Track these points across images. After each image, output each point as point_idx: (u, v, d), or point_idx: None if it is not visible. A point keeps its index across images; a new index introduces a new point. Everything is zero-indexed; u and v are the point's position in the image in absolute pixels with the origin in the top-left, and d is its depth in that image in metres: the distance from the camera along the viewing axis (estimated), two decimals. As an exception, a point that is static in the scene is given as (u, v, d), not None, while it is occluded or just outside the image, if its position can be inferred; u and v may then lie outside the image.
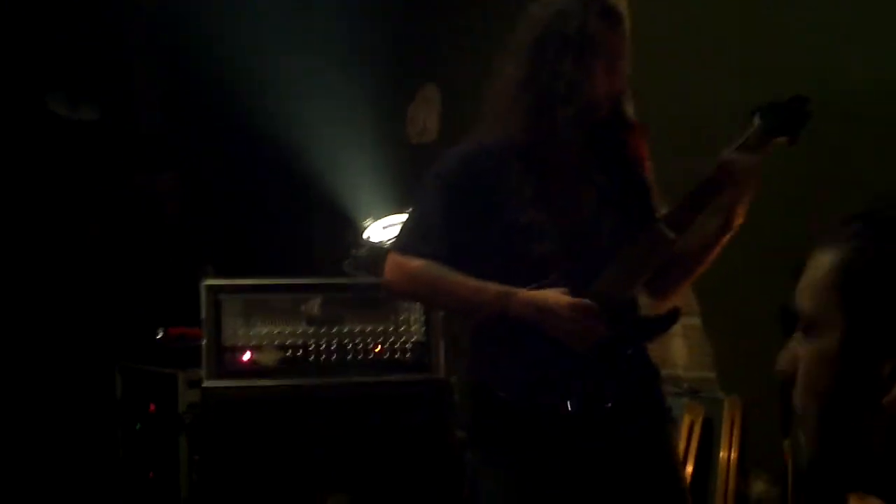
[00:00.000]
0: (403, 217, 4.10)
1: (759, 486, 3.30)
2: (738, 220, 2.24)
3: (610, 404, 2.21)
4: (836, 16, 3.26)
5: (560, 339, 2.16)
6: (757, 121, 2.22)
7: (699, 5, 3.76)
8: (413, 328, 3.41)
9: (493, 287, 2.20)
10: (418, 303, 3.17)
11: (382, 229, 4.14)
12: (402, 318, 3.42)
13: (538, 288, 2.19)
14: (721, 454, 3.31)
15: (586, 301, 2.16)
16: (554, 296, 2.17)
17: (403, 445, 3.20)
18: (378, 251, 4.02)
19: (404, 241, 2.35)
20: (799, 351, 1.07)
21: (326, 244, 4.46)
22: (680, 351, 3.74)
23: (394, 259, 2.34)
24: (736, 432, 3.36)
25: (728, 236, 2.27)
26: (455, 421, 3.26)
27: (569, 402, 2.18)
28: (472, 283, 2.22)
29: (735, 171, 2.18)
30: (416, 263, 2.27)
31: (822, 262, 1.04)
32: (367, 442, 3.18)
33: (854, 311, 0.99)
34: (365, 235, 4.12)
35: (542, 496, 2.22)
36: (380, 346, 3.36)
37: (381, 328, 3.40)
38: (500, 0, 4.96)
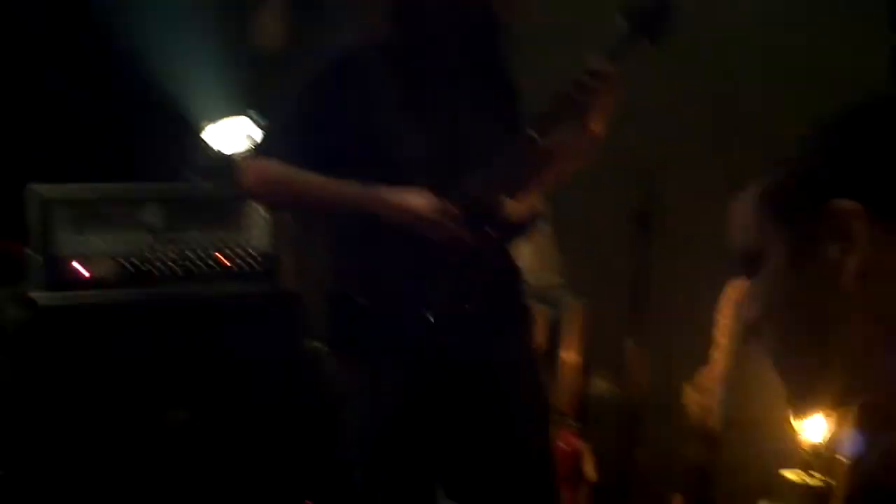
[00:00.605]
0: (245, 122, 4.01)
1: (600, 386, 3.38)
2: (599, 130, 2.24)
3: (471, 308, 2.21)
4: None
5: (423, 237, 2.13)
6: (621, 21, 2.19)
7: None
8: (259, 237, 3.30)
9: (356, 186, 2.16)
10: (276, 209, 3.07)
11: (224, 134, 4.00)
12: (247, 226, 3.30)
13: (403, 189, 2.15)
14: (565, 356, 3.37)
15: (449, 204, 2.13)
16: (417, 196, 2.13)
17: (250, 359, 3.12)
18: (220, 157, 3.89)
19: (265, 145, 2.28)
20: (752, 290, 1.08)
21: (166, 149, 4.26)
22: (528, 256, 3.77)
23: (254, 163, 2.27)
24: (580, 335, 3.43)
25: (588, 145, 2.27)
26: (306, 333, 3.20)
27: (429, 314, 2.16)
28: (335, 183, 2.18)
29: (599, 76, 2.17)
30: (277, 168, 2.21)
31: (744, 204, 1.08)
32: (211, 356, 3.08)
33: (789, 220, 1.02)
34: (206, 140, 3.97)
35: (403, 405, 2.21)
36: (224, 257, 3.24)
37: (224, 237, 3.28)
38: None
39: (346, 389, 2.36)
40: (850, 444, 2.71)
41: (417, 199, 2.15)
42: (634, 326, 3.13)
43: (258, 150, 2.32)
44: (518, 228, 2.32)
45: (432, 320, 2.19)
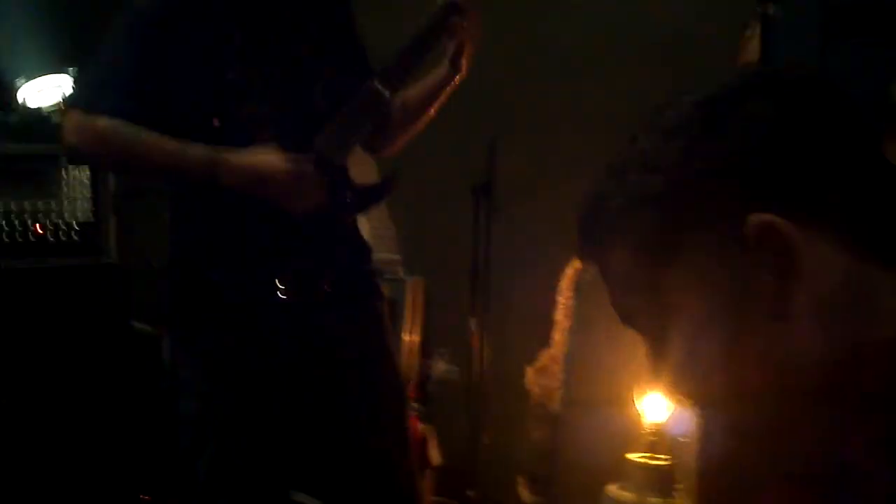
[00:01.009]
0: (65, 79, 3.71)
1: (440, 367, 3.33)
2: (464, 69, 2.16)
3: (327, 286, 2.09)
4: None
5: (275, 205, 1.99)
6: None
7: None
8: (79, 205, 3.06)
9: (199, 149, 1.98)
10: (105, 168, 2.83)
11: (38, 92, 3.69)
12: (65, 193, 3.06)
13: (251, 150, 2.00)
14: (404, 336, 3.31)
15: (303, 162, 2.00)
16: (267, 157, 1.99)
17: (72, 339, 2.89)
18: (33, 116, 3.59)
19: (88, 96, 2.05)
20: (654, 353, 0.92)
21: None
22: (364, 232, 3.67)
23: (76, 117, 2.04)
24: (419, 313, 3.37)
25: (451, 87, 2.19)
26: (132, 311, 2.99)
27: (279, 290, 2.02)
28: (174, 144, 1.99)
29: (459, 9, 2.08)
30: (104, 122, 2.00)
31: (607, 252, 0.91)
32: (28, 336, 2.84)
33: (688, 260, 0.85)
34: (18, 98, 3.66)
35: (250, 390, 2.07)
36: (40, 227, 2.99)
37: (40, 205, 3.03)
38: None
39: (186, 374, 2.19)
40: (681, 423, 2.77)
41: (268, 159, 1.99)
42: (475, 305, 3.09)
43: (81, 102, 2.08)
44: (375, 192, 2.21)
45: (283, 297, 2.06)
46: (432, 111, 2.26)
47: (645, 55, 3.18)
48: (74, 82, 3.55)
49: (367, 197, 2.20)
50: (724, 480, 0.92)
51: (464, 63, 2.15)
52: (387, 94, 2.10)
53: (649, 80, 3.14)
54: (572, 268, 3.20)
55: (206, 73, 2.03)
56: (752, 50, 2.99)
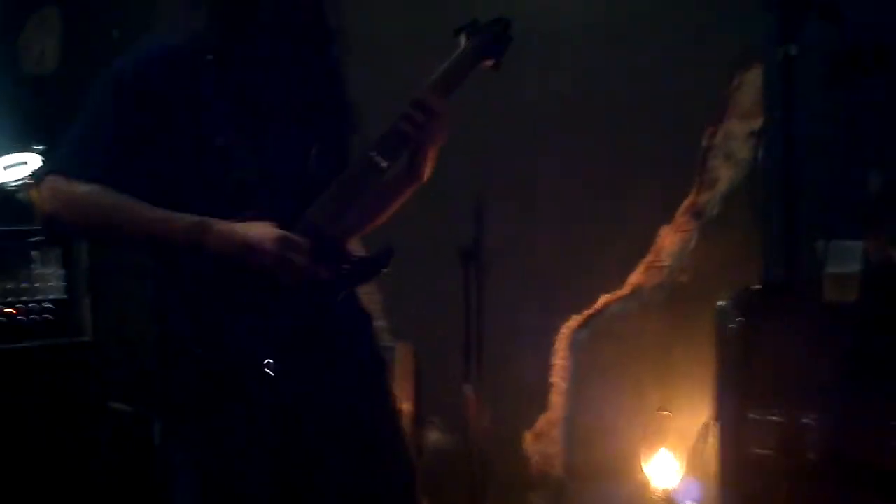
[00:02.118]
0: (30, 155, 3.61)
1: (434, 435, 3.22)
2: (426, 172, 2.08)
3: (324, 362, 1.97)
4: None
5: (265, 276, 1.88)
6: (464, 41, 2.08)
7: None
8: (51, 283, 2.95)
9: (185, 217, 1.87)
10: (83, 236, 2.71)
11: (3, 169, 3.59)
12: (36, 272, 2.94)
13: (240, 220, 1.89)
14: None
15: (294, 235, 1.89)
16: (258, 228, 1.88)
17: (48, 422, 2.75)
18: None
19: (67, 162, 1.93)
20: None
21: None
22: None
23: (54, 184, 1.92)
24: (409, 381, 3.26)
25: (414, 187, 2.11)
26: (110, 390, 2.86)
27: (272, 363, 1.90)
28: (159, 212, 1.88)
29: (430, 110, 2.01)
30: (84, 188, 1.88)
31: None
32: (6, 419, 2.70)
33: None
34: (-13, 177, 3.54)
35: (245, 472, 1.94)
36: (12, 308, 2.86)
37: (10, 286, 2.91)
38: None
39: (176, 458, 2.06)
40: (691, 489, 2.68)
41: (259, 231, 1.89)
42: (469, 371, 2.99)
43: (59, 168, 1.96)
44: (373, 263, 2.10)
45: (272, 374, 1.94)
46: (392, 208, 2.18)
47: (626, 112, 3.14)
48: (43, 158, 3.45)
49: (366, 268, 2.09)
50: None
51: (425, 167, 2.08)
52: (383, 164, 2.01)
53: (632, 137, 3.10)
54: (567, 328, 3.11)
55: (191, 138, 1.93)
56: (742, 100, 2.96)
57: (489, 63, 2.11)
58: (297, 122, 2.05)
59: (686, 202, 3.04)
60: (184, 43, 1.95)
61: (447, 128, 2.07)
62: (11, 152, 3.60)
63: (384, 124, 2.03)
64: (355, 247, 2.31)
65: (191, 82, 1.92)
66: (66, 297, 2.97)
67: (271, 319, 1.95)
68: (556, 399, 3.01)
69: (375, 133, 2.03)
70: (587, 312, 3.13)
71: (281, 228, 1.90)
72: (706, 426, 2.70)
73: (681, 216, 3.04)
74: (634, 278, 3.09)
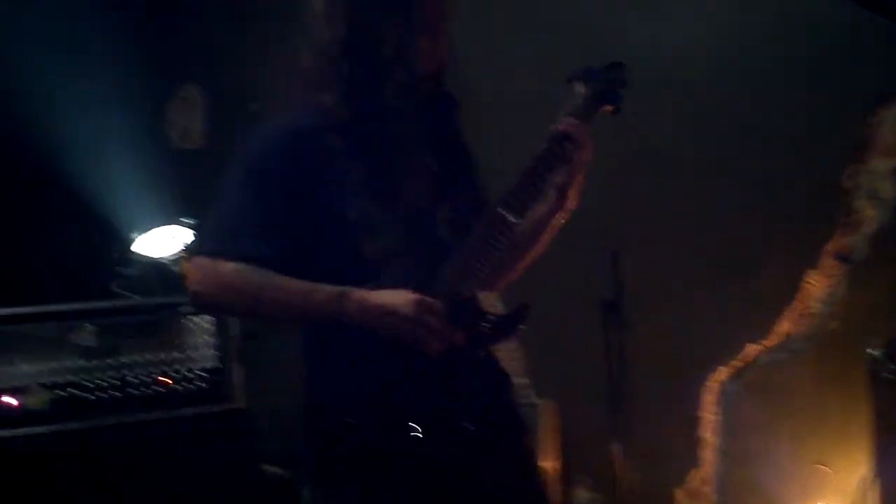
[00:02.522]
0: (178, 228, 3.76)
1: (582, 495, 3.17)
2: (574, 199, 2.07)
3: (466, 425, 1.97)
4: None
5: (406, 344, 1.90)
6: (580, 88, 2.06)
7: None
8: (203, 352, 3.04)
9: (325, 288, 1.91)
10: (228, 314, 2.80)
11: (153, 243, 3.75)
12: (189, 341, 3.04)
13: (376, 288, 1.92)
14: (542, 463, 3.16)
15: (429, 298, 1.91)
16: (395, 294, 1.90)
17: (203, 489, 2.82)
18: (151, 267, 3.63)
19: (211, 242, 2.00)
20: None
21: (90, 263, 4.00)
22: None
23: (200, 264, 1.99)
24: (555, 439, 3.23)
25: (562, 218, 2.10)
26: (262, 456, 2.93)
27: (418, 427, 1.92)
28: (300, 284, 1.93)
29: (571, 138, 2.00)
30: (228, 267, 1.94)
31: None
32: (160, 490, 2.78)
33: None
34: (134, 250, 3.71)
35: None
36: (166, 377, 2.97)
37: (165, 356, 3.02)
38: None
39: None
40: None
41: (395, 297, 1.92)
42: (616, 427, 2.94)
43: (204, 249, 2.04)
44: (511, 321, 2.10)
45: (421, 436, 1.95)
46: (543, 243, 2.17)
47: (766, 155, 3.07)
48: (193, 231, 3.59)
49: (503, 327, 2.08)
50: None
51: (572, 193, 2.07)
52: (511, 219, 2.01)
53: (773, 180, 3.04)
54: (715, 380, 3.04)
55: (326, 212, 1.98)
56: (884, 136, 2.87)
57: (608, 109, 2.10)
58: (426, 188, 2.08)
59: (831, 245, 2.94)
60: (313, 120, 2.01)
61: (591, 153, 2.06)
62: (161, 226, 3.78)
63: (510, 181, 2.04)
64: (494, 304, 2.32)
65: (322, 158, 1.97)
66: (219, 365, 3.05)
67: (416, 384, 1.97)
68: (707, 454, 2.93)
69: (501, 190, 2.05)
70: (735, 364, 3.06)
71: (416, 292, 1.93)
72: (865, 481, 2.59)
73: (826, 260, 2.95)
74: (783, 326, 3.00)
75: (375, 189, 1.99)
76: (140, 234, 3.78)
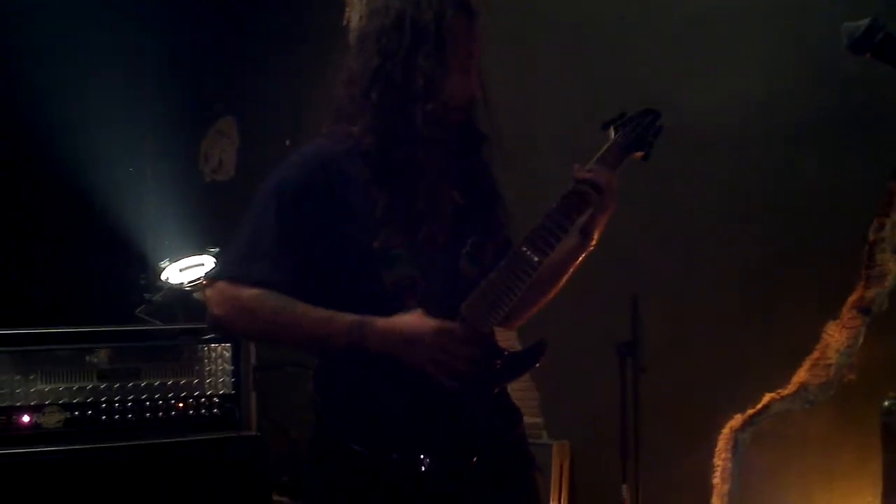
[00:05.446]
0: (205, 257, 3.81)
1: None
2: (596, 237, 2.09)
3: (475, 459, 1.98)
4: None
5: (421, 372, 1.90)
6: (613, 134, 2.09)
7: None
8: (220, 380, 3.08)
9: (345, 316, 1.92)
10: (250, 338, 2.83)
11: (180, 271, 3.80)
12: (206, 368, 3.08)
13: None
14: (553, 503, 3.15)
15: (452, 325, 1.92)
16: (416, 321, 1.91)
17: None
18: (176, 295, 3.68)
19: (233, 267, 2.02)
20: None
21: (116, 288, 4.06)
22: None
23: (222, 289, 2.01)
24: (566, 480, 3.22)
25: (584, 255, 2.11)
26: (272, 483, 2.94)
27: (427, 459, 1.92)
28: (321, 312, 1.94)
29: (596, 186, 2.02)
30: (249, 293, 1.96)
31: None
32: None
33: None
34: (162, 278, 3.76)
35: None
36: (182, 402, 3.00)
37: (182, 381, 3.05)
38: (297, 30, 4.77)
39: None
40: None
41: (415, 324, 1.92)
42: (627, 470, 2.93)
43: (225, 274, 2.06)
44: (526, 359, 2.10)
45: (430, 468, 1.95)
46: (562, 282, 2.18)
47: (789, 205, 3.08)
48: (216, 259, 3.63)
49: (518, 363, 2.09)
50: None
51: (595, 233, 2.09)
52: (535, 259, 2.02)
53: (796, 231, 3.03)
54: (729, 427, 3.02)
55: (349, 240, 2.00)
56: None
57: (639, 155, 2.12)
58: (451, 221, 2.09)
59: (853, 297, 2.93)
60: (339, 147, 2.03)
61: (616, 198, 2.07)
62: (189, 255, 3.83)
63: (534, 221, 2.05)
64: (511, 341, 2.33)
65: (348, 185, 2.00)
66: (233, 392, 3.08)
67: (427, 416, 1.97)
68: (718, 501, 2.91)
69: (526, 229, 2.07)
70: (750, 411, 3.04)
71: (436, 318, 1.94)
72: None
73: (847, 312, 2.93)
74: (800, 376, 2.98)
75: (398, 219, 2.01)
76: (169, 262, 3.84)
